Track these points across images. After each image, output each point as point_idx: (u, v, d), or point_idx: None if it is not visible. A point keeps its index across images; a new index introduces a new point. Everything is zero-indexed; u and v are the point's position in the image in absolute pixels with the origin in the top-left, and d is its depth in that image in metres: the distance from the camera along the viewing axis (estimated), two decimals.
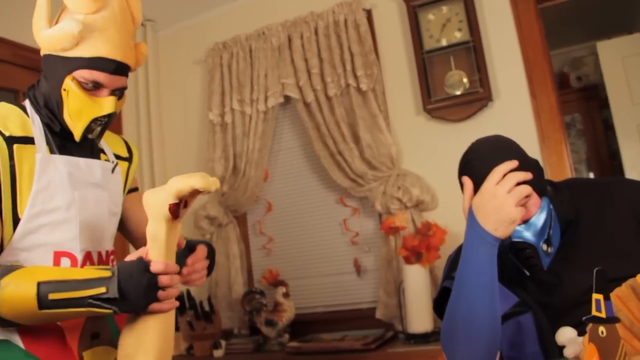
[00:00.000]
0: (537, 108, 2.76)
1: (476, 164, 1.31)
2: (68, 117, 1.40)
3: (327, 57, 3.07)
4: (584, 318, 0.76)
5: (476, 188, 1.29)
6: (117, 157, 1.64)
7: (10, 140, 1.33)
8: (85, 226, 1.43)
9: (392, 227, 2.77)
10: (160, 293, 1.23)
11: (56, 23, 1.39)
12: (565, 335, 1.20)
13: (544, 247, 1.29)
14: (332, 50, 3.06)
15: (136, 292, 1.20)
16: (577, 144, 4.36)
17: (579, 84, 4.38)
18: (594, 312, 0.75)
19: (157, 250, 1.25)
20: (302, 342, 2.83)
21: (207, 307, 3.13)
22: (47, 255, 1.36)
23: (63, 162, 1.42)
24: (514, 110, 2.80)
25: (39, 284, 1.19)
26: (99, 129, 1.43)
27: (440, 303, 1.52)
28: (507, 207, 1.19)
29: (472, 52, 2.85)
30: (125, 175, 1.66)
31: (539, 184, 1.30)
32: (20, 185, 1.34)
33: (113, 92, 1.43)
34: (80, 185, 1.44)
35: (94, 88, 1.39)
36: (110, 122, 1.46)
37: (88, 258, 1.43)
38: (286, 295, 3.02)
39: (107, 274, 1.21)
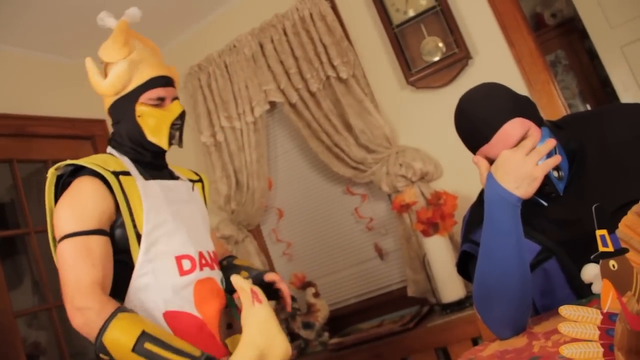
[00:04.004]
0: (517, 55, 2.75)
1: (469, 111, 1.32)
2: (152, 136, 1.71)
3: (302, 54, 3.07)
4: (592, 257, 0.76)
5: (473, 135, 1.30)
6: (190, 180, 1.91)
7: (116, 174, 1.60)
8: (191, 233, 1.70)
9: (403, 205, 2.78)
10: None
11: (105, 77, 1.71)
12: (590, 272, 1.19)
13: (555, 173, 1.28)
14: (305, 47, 3.07)
15: None
16: (567, 80, 4.33)
17: (554, 20, 4.35)
18: (601, 248, 0.75)
19: None
20: (343, 337, 2.85)
21: None
22: (170, 262, 1.62)
23: (158, 185, 1.69)
24: (494, 62, 2.80)
25: (143, 331, 1.38)
26: (177, 133, 1.74)
27: (463, 266, 1.53)
28: (528, 165, 1.20)
29: (440, 15, 2.85)
30: (202, 192, 1.95)
31: (535, 116, 1.32)
32: (135, 208, 1.59)
33: (173, 101, 1.74)
34: (173, 202, 1.71)
35: (160, 104, 1.71)
36: (183, 125, 1.77)
37: (202, 257, 1.70)
38: (316, 295, 3.03)
39: (197, 353, 1.39)
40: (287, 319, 3.03)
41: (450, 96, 2.83)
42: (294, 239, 3.39)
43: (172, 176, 1.83)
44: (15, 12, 2.76)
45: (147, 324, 1.44)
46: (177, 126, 1.74)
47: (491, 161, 1.31)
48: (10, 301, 2.58)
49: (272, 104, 3.25)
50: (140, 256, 1.57)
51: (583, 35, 4.04)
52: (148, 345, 1.36)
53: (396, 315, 2.90)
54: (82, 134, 3.23)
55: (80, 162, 1.61)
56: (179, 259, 1.63)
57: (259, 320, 1.42)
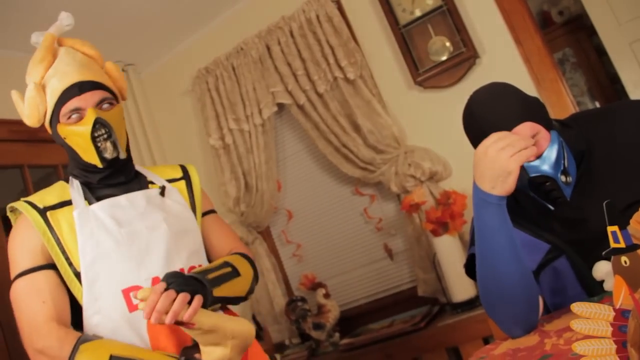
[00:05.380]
0: (524, 53, 2.75)
1: (478, 112, 1.30)
2: (83, 155, 1.51)
3: (309, 56, 3.08)
4: (603, 252, 0.76)
5: (481, 137, 1.26)
6: (171, 180, 1.70)
7: (44, 210, 1.46)
8: (143, 257, 1.48)
9: (413, 205, 2.78)
10: None
11: None
12: (602, 269, 1.20)
13: (563, 178, 1.27)
14: (312, 48, 3.07)
15: None
16: (575, 78, 4.32)
17: (562, 18, 4.34)
18: (613, 244, 0.75)
19: None
20: (354, 337, 2.85)
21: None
22: (118, 296, 1.43)
23: (102, 208, 1.50)
24: (502, 61, 2.79)
25: (111, 356, 1.30)
26: (107, 144, 1.50)
27: (471, 267, 1.52)
28: (501, 160, 1.15)
29: (447, 15, 2.85)
30: (187, 192, 1.70)
31: (544, 119, 1.30)
32: (67, 244, 1.44)
33: (98, 108, 1.51)
34: (126, 221, 1.50)
35: (79, 117, 1.49)
36: (115, 131, 1.51)
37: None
38: (327, 295, 3.04)
39: None
40: (298, 320, 3.03)
41: (458, 95, 2.82)
42: (304, 240, 3.39)
43: (141, 185, 1.63)
44: (27, 19, 2.78)
45: (114, 345, 1.36)
46: (103, 137, 1.49)
47: None
48: None
49: (280, 106, 3.26)
50: (84, 295, 1.43)
51: (591, 32, 4.03)
52: None
53: (407, 315, 2.90)
54: None
55: (19, 202, 1.52)
56: (126, 292, 1.44)
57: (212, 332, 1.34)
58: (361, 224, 3.23)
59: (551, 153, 1.27)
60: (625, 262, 0.73)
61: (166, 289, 1.29)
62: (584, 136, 1.38)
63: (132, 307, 1.44)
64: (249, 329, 1.39)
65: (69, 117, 1.49)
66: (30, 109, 1.51)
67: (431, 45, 2.89)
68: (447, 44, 2.86)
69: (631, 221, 0.91)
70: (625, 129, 1.36)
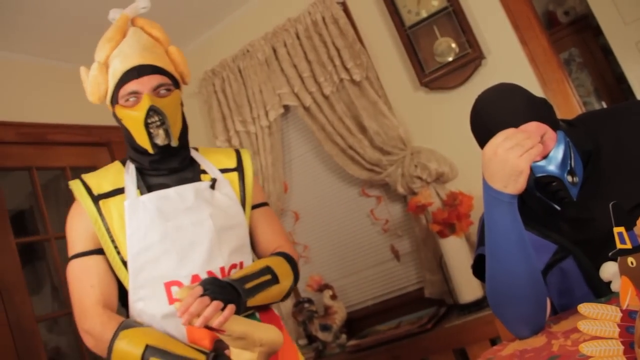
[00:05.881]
0: (530, 54, 2.74)
1: (484, 113, 1.31)
2: (137, 139, 1.56)
3: (315, 58, 3.09)
4: (610, 253, 0.76)
5: (488, 136, 1.26)
6: (224, 170, 1.71)
7: (97, 198, 1.54)
8: (186, 252, 1.53)
9: (419, 206, 2.78)
10: None
11: None
12: (609, 270, 1.19)
13: (569, 178, 1.27)
14: (318, 50, 3.08)
15: None
16: (581, 78, 4.31)
17: (567, 18, 4.33)
18: (619, 245, 0.75)
19: None
20: (361, 339, 2.85)
21: None
22: (160, 288, 1.51)
23: (151, 200, 1.54)
24: (508, 62, 2.79)
25: (146, 346, 1.38)
26: (160, 130, 1.53)
27: (478, 268, 1.52)
28: (511, 160, 1.15)
29: (453, 16, 2.85)
30: (239, 184, 1.72)
31: (551, 119, 1.30)
32: (116, 233, 1.52)
33: (155, 94, 1.54)
34: (172, 215, 1.54)
35: (136, 101, 1.53)
36: (169, 119, 1.54)
37: (197, 281, 1.50)
38: (334, 297, 3.04)
39: (202, 358, 1.39)
40: (304, 322, 3.04)
41: (464, 96, 2.83)
42: (311, 241, 3.40)
43: (194, 174, 1.66)
44: (32, 21, 2.80)
45: (151, 335, 1.43)
46: (156, 124, 1.53)
47: None
48: (32, 306, 2.61)
49: (286, 108, 3.27)
50: (130, 282, 1.51)
51: (597, 32, 4.02)
52: (153, 359, 1.37)
53: (414, 317, 2.90)
54: (99, 141, 3.27)
55: (78, 181, 1.60)
56: (167, 285, 1.51)
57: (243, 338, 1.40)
58: (368, 225, 3.24)
59: (557, 153, 1.27)
60: (632, 263, 0.73)
61: (203, 294, 1.35)
62: (591, 136, 1.38)
63: (172, 300, 1.51)
64: (277, 337, 1.42)
65: (127, 100, 1.53)
66: (92, 87, 1.56)
67: (437, 47, 2.89)
68: (453, 45, 2.86)
69: (638, 222, 0.91)
70: (632, 129, 1.36)
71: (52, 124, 3.03)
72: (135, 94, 1.52)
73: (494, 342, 2.42)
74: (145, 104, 1.50)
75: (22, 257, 2.67)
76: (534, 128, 1.25)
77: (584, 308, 0.77)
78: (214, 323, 1.31)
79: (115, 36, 1.58)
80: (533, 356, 1.10)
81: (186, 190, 1.59)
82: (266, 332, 1.41)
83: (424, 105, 2.98)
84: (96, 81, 1.55)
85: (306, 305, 3.09)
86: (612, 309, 0.76)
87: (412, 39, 2.94)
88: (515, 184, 1.18)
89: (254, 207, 1.76)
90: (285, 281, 1.62)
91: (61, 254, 2.81)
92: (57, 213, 3.36)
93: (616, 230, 0.76)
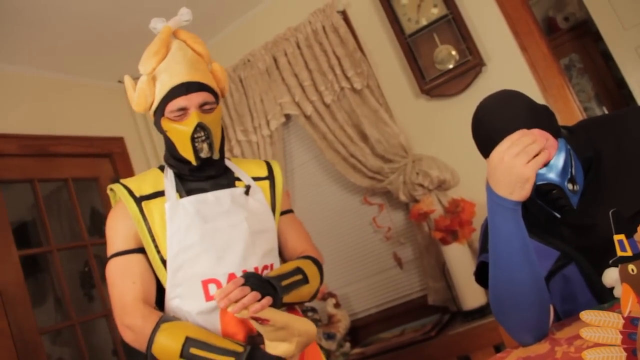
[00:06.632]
0: (530, 60, 2.75)
1: (485, 119, 1.30)
2: (181, 151, 1.64)
3: (315, 67, 3.10)
4: (610, 261, 0.76)
5: (489, 143, 1.27)
6: (256, 178, 1.80)
7: (140, 200, 1.62)
8: (223, 252, 1.61)
9: (421, 213, 2.78)
10: None
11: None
12: (612, 276, 1.19)
13: (570, 186, 1.26)
14: (319, 59, 3.09)
15: None
16: (582, 83, 4.31)
17: (567, 24, 4.34)
18: (620, 253, 0.75)
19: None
20: (364, 347, 2.85)
21: None
22: (197, 286, 1.59)
23: (191, 202, 1.63)
24: (508, 68, 2.79)
25: (186, 338, 1.46)
26: (204, 145, 1.62)
27: (481, 275, 1.52)
28: (517, 167, 1.16)
29: (452, 23, 2.86)
30: (270, 192, 1.81)
31: (552, 127, 1.30)
32: (157, 233, 1.59)
33: (201, 110, 1.63)
34: (211, 217, 1.63)
35: (183, 115, 1.61)
36: (213, 134, 1.63)
37: (233, 279, 1.57)
38: (337, 305, 3.04)
39: (240, 349, 1.46)
40: None
41: (465, 104, 2.83)
42: None
43: (229, 181, 1.74)
44: (33, 33, 2.82)
45: (190, 328, 1.51)
46: (202, 138, 1.62)
47: None
48: (35, 318, 2.62)
49: (288, 117, 3.28)
50: (168, 280, 1.59)
51: (597, 37, 4.02)
52: (193, 350, 1.45)
53: (417, 324, 2.90)
54: (101, 152, 3.28)
55: (119, 184, 1.67)
56: (205, 283, 1.59)
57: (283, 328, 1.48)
58: (370, 233, 3.23)
59: (558, 161, 1.26)
60: (633, 270, 0.73)
61: (244, 285, 1.46)
62: (592, 143, 1.38)
63: (208, 298, 1.58)
64: (313, 329, 1.53)
65: (174, 114, 1.61)
66: (139, 98, 1.63)
67: (437, 54, 2.90)
68: (453, 52, 2.87)
69: (639, 229, 0.91)
70: (633, 135, 1.35)
71: (53, 136, 3.04)
72: (183, 109, 1.60)
73: (498, 348, 2.42)
74: (193, 120, 1.60)
75: (25, 269, 2.67)
76: (537, 133, 1.25)
77: (586, 315, 0.76)
78: (250, 310, 1.41)
79: (161, 49, 1.65)
80: None
81: (223, 195, 1.68)
82: (304, 324, 1.51)
83: (425, 112, 2.99)
84: (144, 93, 1.63)
85: (310, 313, 3.08)
86: (614, 316, 0.76)
87: (412, 46, 2.94)
88: (521, 191, 1.18)
89: (282, 213, 1.85)
90: (314, 282, 1.73)
91: (64, 264, 2.82)
92: (60, 225, 3.37)
93: (616, 237, 0.76)
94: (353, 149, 3.01)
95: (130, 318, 1.53)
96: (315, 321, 3.02)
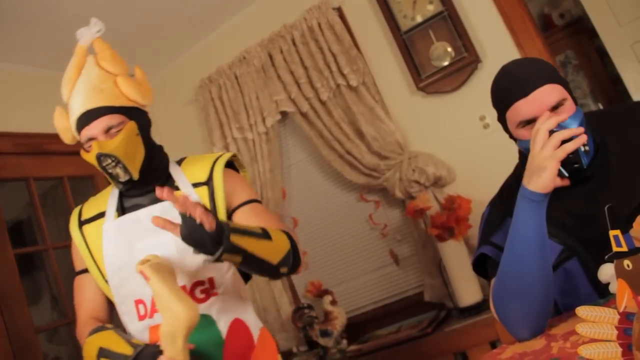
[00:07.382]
0: (526, 57, 2.75)
1: (513, 68, 1.37)
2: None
3: (311, 64, 3.10)
4: (606, 257, 0.77)
5: (513, 88, 1.33)
6: (196, 184, 1.65)
7: (81, 224, 1.68)
8: None
9: (417, 210, 2.78)
10: None
11: None
12: (607, 272, 1.19)
13: (582, 147, 1.27)
14: (314, 56, 3.08)
15: None
16: (577, 80, 4.32)
17: (562, 21, 4.34)
18: (615, 248, 0.75)
19: (173, 350, 1.39)
20: (361, 344, 2.85)
21: None
22: (131, 305, 1.61)
23: (122, 223, 1.62)
24: None
25: (99, 348, 1.48)
26: (118, 169, 1.55)
27: (479, 265, 1.52)
28: (539, 157, 1.22)
29: (448, 20, 2.85)
30: (208, 199, 1.62)
31: (571, 94, 1.34)
32: (96, 255, 1.64)
33: (107, 135, 1.54)
34: (141, 237, 1.59)
35: (92, 144, 1.55)
36: (122, 157, 1.54)
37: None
38: (334, 302, 3.04)
39: (130, 352, 1.43)
40: (305, 328, 3.03)
41: (461, 100, 2.83)
42: (310, 247, 3.39)
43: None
44: (29, 31, 2.81)
45: (105, 338, 1.50)
46: (111, 165, 1.54)
47: (520, 122, 1.34)
48: (31, 317, 2.61)
49: (284, 114, 3.28)
50: (114, 298, 1.64)
51: (592, 34, 4.03)
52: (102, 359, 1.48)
53: (414, 321, 2.90)
54: None
55: (76, 210, 1.76)
56: (136, 303, 1.60)
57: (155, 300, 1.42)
58: (366, 230, 3.24)
59: (574, 120, 1.29)
60: (628, 266, 0.74)
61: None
62: (599, 132, 1.38)
63: (140, 317, 1.60)
64: (185, 313, 1.35)
65: (87, 145, 1.56)
66: (60, 132, 1.62)
67: (433, 51, 2.90)
68: (449, 49, 2.87)
69: (634, 224, 0.91)
70: (637, 131, 1.36)
71: (49, 134, 3.02)
72: (91, 139, 1.55)
73: (494, 345, 2.42)
74: (93, 152, 1.53)
75: (21, 268, 2.66)
76: (556, 91, 1.30)
77: (581, 311, 0.77)
78: (164, 193, 1.27)
79: (72, 76, 1.60)
80: (532, 359, 1.10)
81: (154, 211, 1.56)
82: (178, 304, 1.36)
83: (421, 109, 2.99)
84: (62, 126, 1.61)
85: (306, 311, 3.08)
86: (610, 312, 0.76)
87: (408, 43, 2.94)
88: (538, 180, 1.22)
89: (238, 207, 1.66)
90: (280, 243, 1.51)
91: (60, 264, 2.81)
92: (55, 223, 3.36)
93: (612, 233, 0.76)
94: (349, 146, 3.01)
95: (79, 332, 1.63)
96: (312, 318, 3.02)
